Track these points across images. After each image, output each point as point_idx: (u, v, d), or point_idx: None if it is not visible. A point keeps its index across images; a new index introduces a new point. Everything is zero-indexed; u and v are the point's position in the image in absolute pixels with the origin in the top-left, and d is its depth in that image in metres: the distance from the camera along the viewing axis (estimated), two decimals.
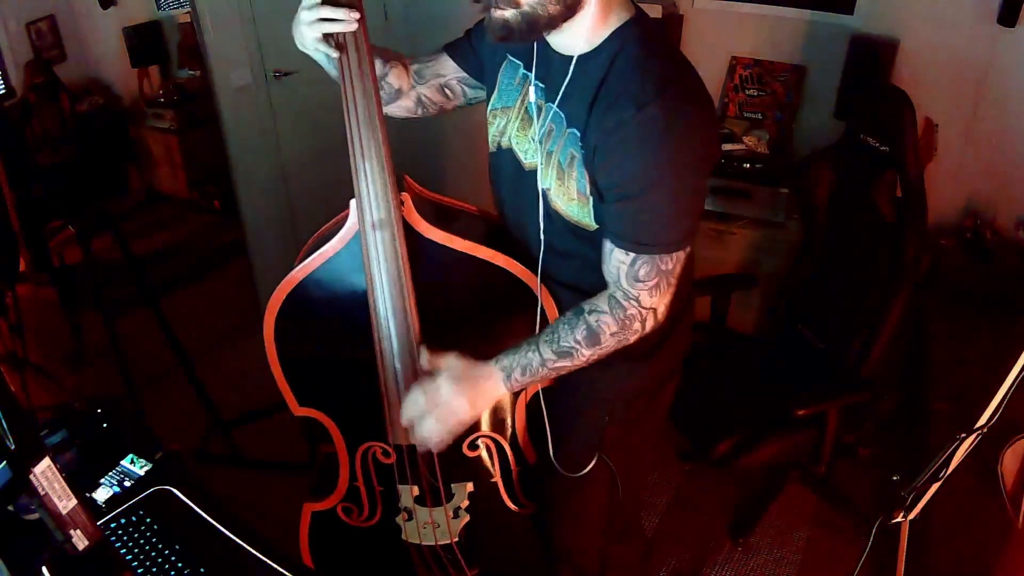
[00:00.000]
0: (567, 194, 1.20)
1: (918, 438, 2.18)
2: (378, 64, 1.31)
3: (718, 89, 2.91)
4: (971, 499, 1.66)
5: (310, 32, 1.14)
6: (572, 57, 1.14)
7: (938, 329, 2.31)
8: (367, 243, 1.22)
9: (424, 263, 1.27)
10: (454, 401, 1.20)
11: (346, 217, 1.25)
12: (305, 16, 1.13)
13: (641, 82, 1.07)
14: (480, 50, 1.35)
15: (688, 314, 1.43)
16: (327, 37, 1.15)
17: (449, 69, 1.39)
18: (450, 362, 1.22)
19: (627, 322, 1.18)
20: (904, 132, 1.85)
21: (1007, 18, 2.28)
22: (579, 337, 1.18)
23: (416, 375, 1.28)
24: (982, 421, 1.31)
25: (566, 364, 1.20)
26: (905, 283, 1.86)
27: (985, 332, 2.22)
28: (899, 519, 1.45)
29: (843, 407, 1.93)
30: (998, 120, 2.46)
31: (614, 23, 1.12)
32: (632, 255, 1.13)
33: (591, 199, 1.18)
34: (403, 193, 1.23)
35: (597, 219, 1.19)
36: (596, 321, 1.18)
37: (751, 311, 2.71)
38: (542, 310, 1.31)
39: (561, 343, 1.19)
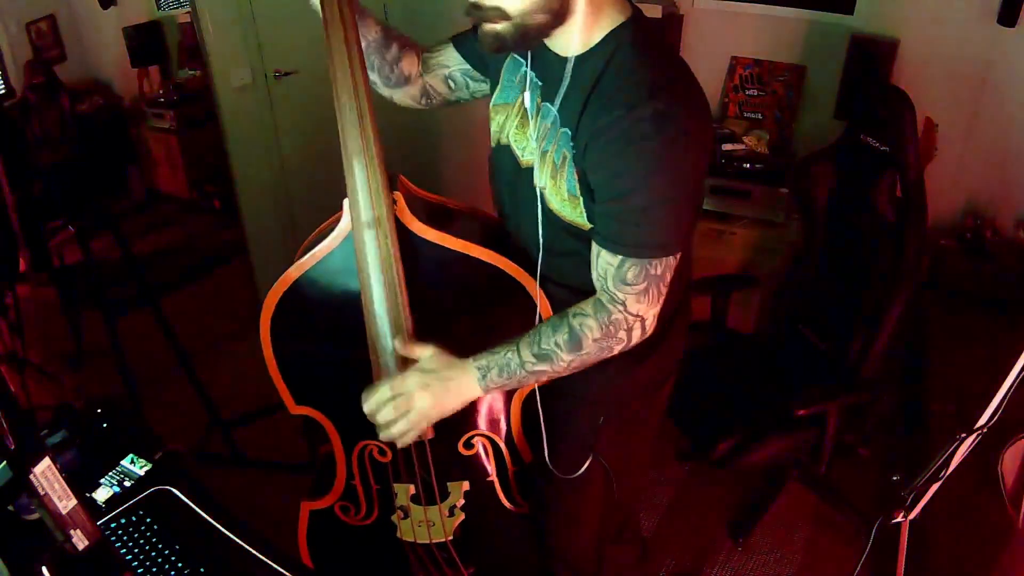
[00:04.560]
0: (559, 194, 1.20)
1: (918, 438, 2.18)
2: (394, 47, 1.33)
3: (718, 89, 2.92)
4: (971, 499, 1.66)
5: None
6: (568, 58, 1.14)
7: (938, 329, 2.31)
8: (359, 242, 1.22)
9: (418, 262, 1.27)
10: (417, 396, 1.18)
11: (340, 217, 1.26)
12: None
13: (634, 85, 1.06)
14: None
15: (683, 316, 1.43)
16: None
17: (453, 60, 1.39)
18: (424, 354, 1.21)
19: (611, 328, 1.16)
20: (904, 132, 1.85)
21: (1007, 18, 2.28)
22: (560, 340, 1.17)
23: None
24: (982, 421, 1.31)
25: (545, 368, 1.19)
26: (905, 283, 1.86)
27: (985, 332, 2.22)
28: (899, 519, 1.45)
29: (843, 407, 1.93)
30: (998, 120, 2.46)
31: (608, 24, 1.11)
32: (620, 257, 1.12)
33: (581, 200, 1.17)
34: (395, 192, 1.24)
35: (590, 219, 1.19)
36: (579, 325, 1.17)
37: (751, 311, 2.71)
38: (539, 310, 1.31)
39: (542, 345, 1.18)
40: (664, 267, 1.13)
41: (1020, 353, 1.23)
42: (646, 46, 1.11)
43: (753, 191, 2.68)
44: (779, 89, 2.81)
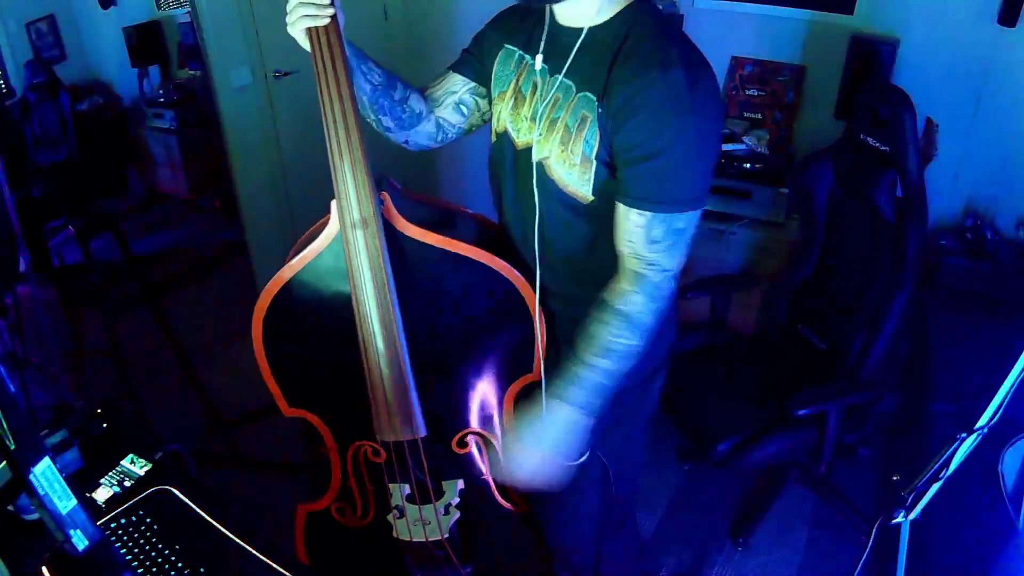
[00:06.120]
0: (569, 159, 1.22)
1: (918, 438, 2.18)
2: (400, 87, 1.35)
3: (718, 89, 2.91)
4: (971, 499, 1.66)
5: (293, 23, 1.21)
6: (582, 29, 1.19)
7: (938, 329, 2.31)
8: (348, 242, 1.24)
9: (407, 262, 1.29)
10: (534, 460, 1.27)
11: (330, 218, 1.27)
12: (288, 6, 1.20)
13: (662, 49, 1.13)
14: (482, 55, 1.37)
15: (672, 304, 1.42)
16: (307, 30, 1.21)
17: (458, 84, 1.41)
18: (519, 424, 1.29)
19: (655, 292, 1.20)
20: (904, 132, 1.85)
21: (1007, 18, 2.28)
22: (625, 334, 1.20)
23: (402, 369, 1.31)
24: (982, 421, 1.31)
25: (627, 363, 1.22)
26: (905, 283, 1.86)
27: (985, 332, 2.21)
28: (899, 519, 1.45)
29: (843, 407, 1.92)
30: (998, 120, 2.46)
31: (623, 1, 1.18)
32: (648, 215, 1.16)
33: (594, 164, 1.20)
34: (382, 192, 1.25)
35: (595, 189, 1.21)
36: (630, 308, 1.20)
37: (751, 311, 2.71)
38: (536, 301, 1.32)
39: (611, 347, 1.20)
40: (687, 222, 1.17)
41: (1020, 353, 1.23)
42: (664, 20, 1.19)
43: (753, 191, 2.67)
44: (779, 89, 2.81)
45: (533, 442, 1.26)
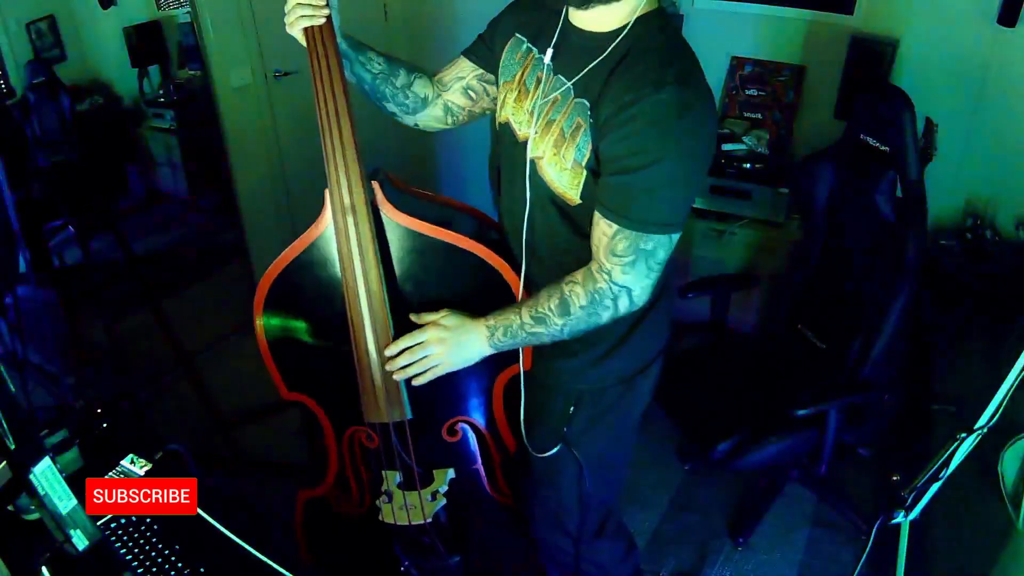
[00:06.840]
0: (560, 163, 1.22)
1: (918, 438, 2.18)
2: (403, 74, 1.38)
3: (718, 89, 2.91)
4: (971, 499, 1.66)
5: (292, 23, 1.24)
6: (594, 33, 1.18)
7: (938, 329, 2.31)
8: (338, 228, 1.27)
9: (396, 248, 1.32)
10: (433, 347, 1.28)
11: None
12: (287, 7, 1.24)
13: (661, 67, 1.11)
14: (493, 43, 1.38)
15: (660, 311, 1.42)
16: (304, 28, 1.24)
17: (467, 69, 1.42)
18: (441, 313, 1.30)
19: (597, 296, 1.20)
20: (904, 132, 1.85)
21: (1007, 18, 2.28)
22: (552, 305, 1.23)
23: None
24: (982, 421, 1.31)
25: (541, 330, 1.25)
26: (905, 283, 1.86)
27: (985, 332, 2.21)
28: (899, 519, 1.45)
29: (843, 407, 1.92)
30: (998, 120, 2.46)
31: (640, 10, 1.16)
32: (615, 227, 1.16)
33: (585, 173, 1.20)
34: (373, 182, 1.28)
35: (583, 194, 1.22)
36: (569, 292, 1.22)
37: (751, 311, 2.71)
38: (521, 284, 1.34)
39: (538, 309, 1.25)
40: (656, 244, 1.16)
41: (1020, 353, 1.23)
42: (673, 37, 1.17)
43: (753, 191, 2.68)
44: (779, 89, 2.81)
45: (441, 332, 1.28)
